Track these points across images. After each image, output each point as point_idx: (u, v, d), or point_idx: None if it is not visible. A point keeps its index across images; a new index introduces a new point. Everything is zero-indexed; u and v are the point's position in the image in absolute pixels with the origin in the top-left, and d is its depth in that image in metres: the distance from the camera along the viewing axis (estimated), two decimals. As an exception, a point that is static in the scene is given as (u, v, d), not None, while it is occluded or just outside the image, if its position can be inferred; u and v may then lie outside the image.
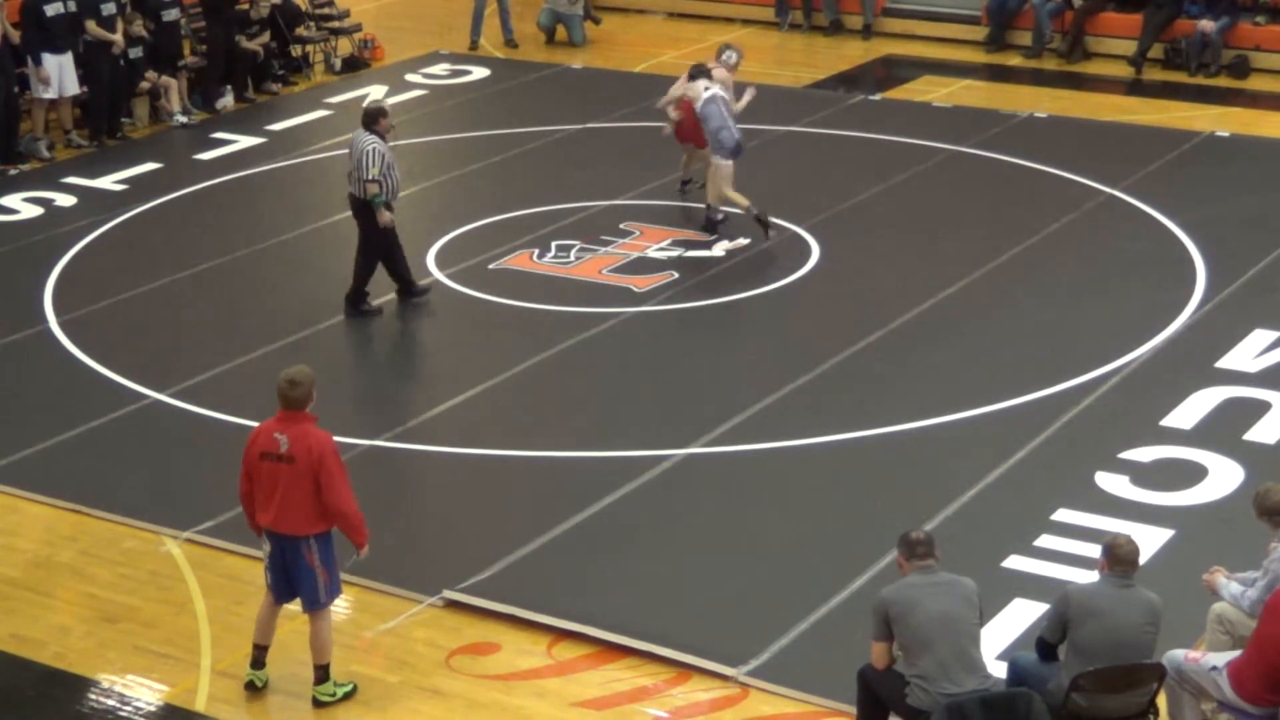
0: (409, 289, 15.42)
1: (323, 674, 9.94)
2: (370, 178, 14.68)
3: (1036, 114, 20.72)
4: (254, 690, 10.01)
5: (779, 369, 13.98)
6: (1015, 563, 11.06)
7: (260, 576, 10.98)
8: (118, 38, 20.07)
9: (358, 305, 15.19)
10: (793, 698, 9.86)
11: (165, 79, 21.03)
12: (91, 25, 19.83)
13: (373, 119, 14.87)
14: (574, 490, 12.23)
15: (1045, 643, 8.92)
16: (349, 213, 17.80)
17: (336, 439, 12.78)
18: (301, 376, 9.66)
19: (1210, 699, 8.92)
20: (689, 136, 17.30)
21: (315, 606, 9.81)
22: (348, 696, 9.97)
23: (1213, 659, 8.89)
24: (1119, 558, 8.79)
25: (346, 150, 15.21)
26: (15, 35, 19.48)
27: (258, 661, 10.05)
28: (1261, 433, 12.73)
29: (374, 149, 14.70)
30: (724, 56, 17.59)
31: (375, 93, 22.17)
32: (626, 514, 11.94)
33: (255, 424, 12.91)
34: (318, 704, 9.91)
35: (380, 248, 15.12)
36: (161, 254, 16.89)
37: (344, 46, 23.79)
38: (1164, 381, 13.58)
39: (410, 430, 13.15)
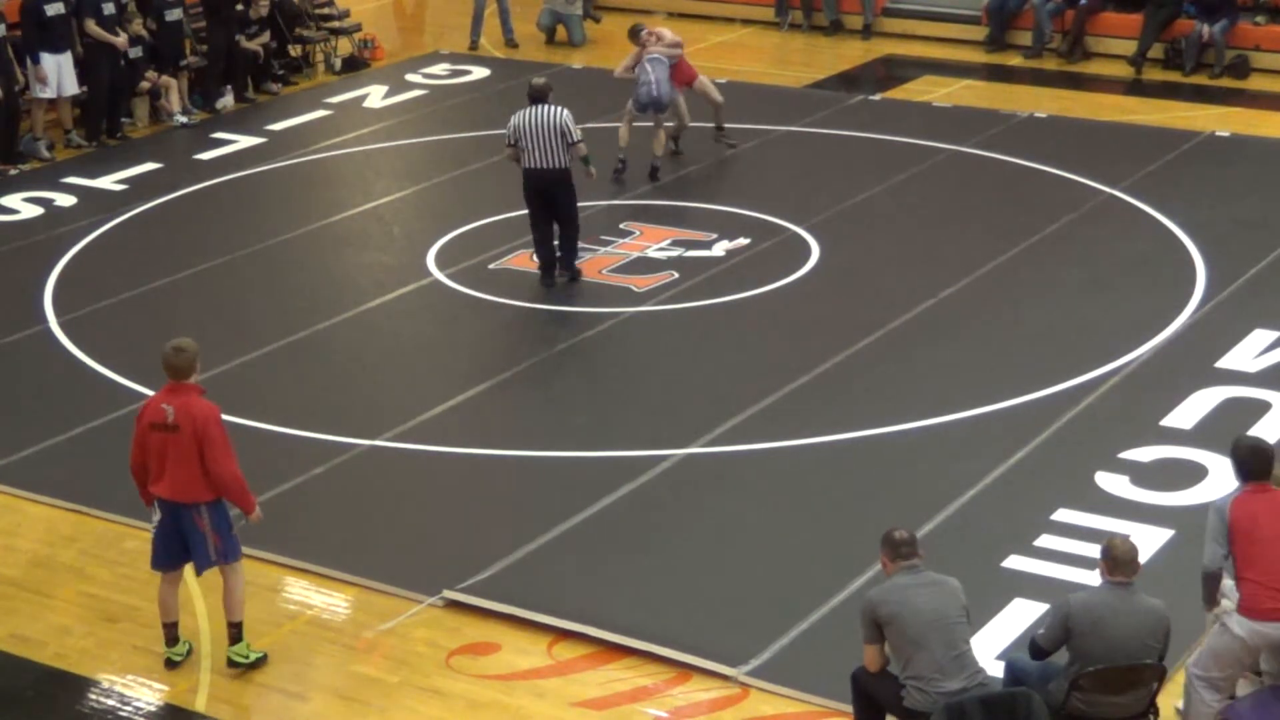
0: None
1: (236, 633, 10.22)
2: (578, 139, 15.38)
3: (1036, 114, 20.72)
4: (173, 666, 10.28)
5: (779, 369, 13.98)
6: (1015, 563, 11.06)
7: (257, 575, 11.05)
8: (119, 39, 20.09)
9: (574, 266, 15.80)
10: (793, 698, 9.86)
11: (165, 79, 21.04)
12: (91, 25, 19.84)
13: (546, 93, 15.50)
14: (574, 490, 12.23)
15: (1040, 649, 8.88)
16: (349, 211, 17.93)
17: (337, 439, 12.92)
18: (186, 345, 10.12)
19: (1224, 670, 8.93)
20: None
21: (206, 565, 10.12)
22: (258, 664, 10.23)
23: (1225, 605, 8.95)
24: (1119, 560, 8.75)
25: (513, 137, 15.43)
26: None
27: (171, 639, 10.35)
28: (1261, 433, 12.65)
29: (569, 114, 15.38)
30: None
31: (375, 93, 22.20)
32: (626, 514, 11.94)
33: (254, 424, 13.10)
34: (232, 664, 10.20)
35: (577, 210, 15.73)
36: (161, 254, 16.89)
37: (344, 46, 23.80)
38: (1164, 381, 13.58)
39: (410, 430, 13.15)
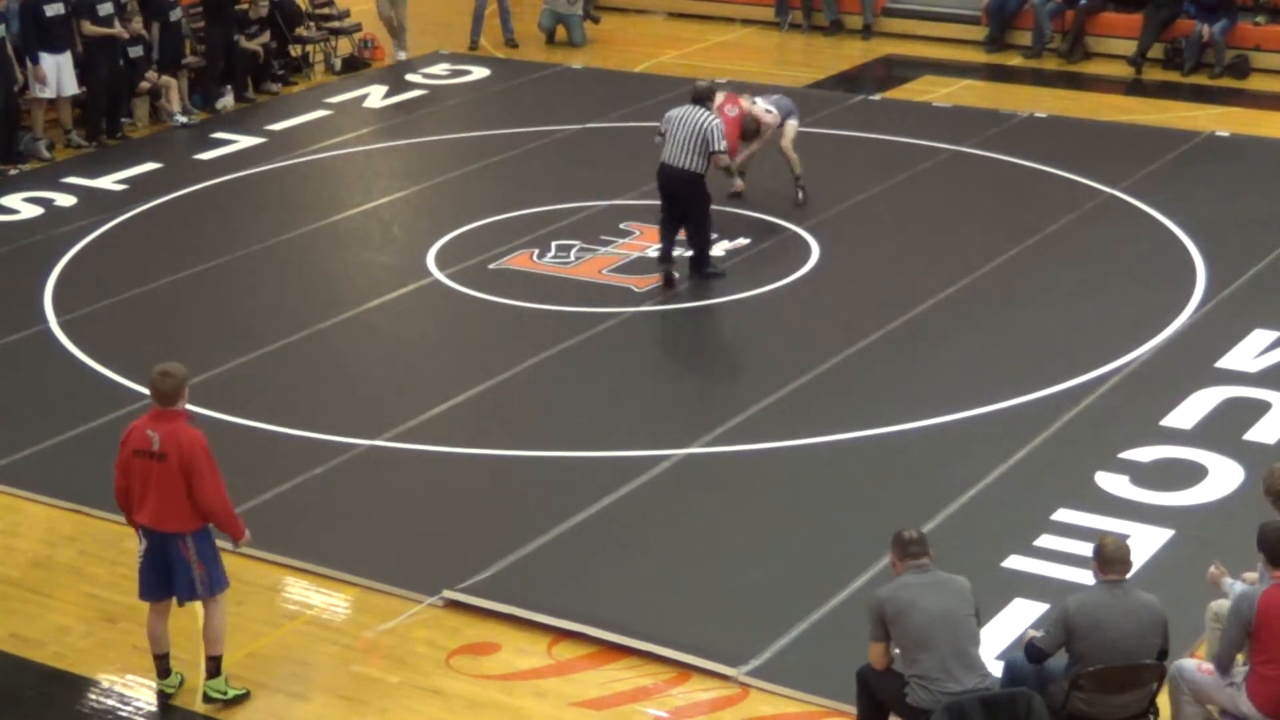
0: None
1: (215, 667, 9.82)
2: (721, 149, 15.30)
3: (1036, 114, 20.72)
4: (165, 699, 9.92)
5: (779, 369, 13.97)
6: (1015, 563, 11.06)
7: (257, 575, 11.06)
8: (119, 30, 20.13)
9: (703, 269, 15.73)
10: (793, 698, 9.86)
11: (165, 79, 21.04)
12: (87, 25, 19.83)
13: (708, 96, 15.70)
14: (574, 490, 12.22)
15: (1040, 651, 8.86)
16: (349, 211, 17.94)
17: (337, 439, 12.92)
18: (173, 370, 9.70)
19: (1215, 705, 8.90)
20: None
21: (190, 598, 9.76)
22: (238, 700, 9.85)
23: (1232, 673, 8.83)
24: (1110, 559, 8.74)
25: (664, 127, 15.48)
26: None
27: (163, 671, 9.96)
28: (1261, 433, 12.73)
29: (719, 123, 15.41)
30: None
31: (375, 93, 22.20)
32: (626, 514, 11.94)
33: (254, 424, 13.11)
34: (208, 700, 9.82)
35: (707, 214, 15.69)
36: (161, 254, 16.88)
37: (344, 46, 23.80)
38: (1164, 381, 13.58)
39: (410, 430, 13.15)
